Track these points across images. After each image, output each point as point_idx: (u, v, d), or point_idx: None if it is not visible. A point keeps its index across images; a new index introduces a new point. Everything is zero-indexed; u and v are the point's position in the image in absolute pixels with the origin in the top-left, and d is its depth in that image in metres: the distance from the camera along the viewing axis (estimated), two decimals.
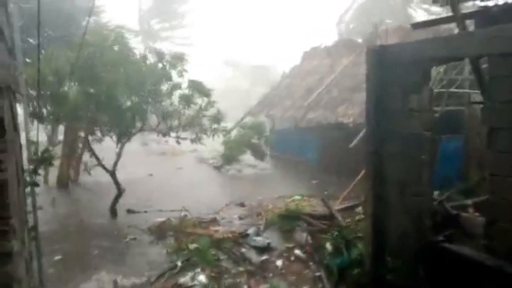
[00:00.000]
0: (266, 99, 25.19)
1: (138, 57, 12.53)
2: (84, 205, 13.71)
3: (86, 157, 15.37)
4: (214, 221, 10.98)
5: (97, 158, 12.69)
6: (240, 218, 11.27)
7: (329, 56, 22.23)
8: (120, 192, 12.69)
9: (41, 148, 7.25)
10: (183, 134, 13.22)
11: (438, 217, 6.97)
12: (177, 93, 12.72)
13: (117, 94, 11.41)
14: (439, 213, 7.42)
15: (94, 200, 14.14)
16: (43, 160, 6.99)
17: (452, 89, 11.11)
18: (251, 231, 9.64)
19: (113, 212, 12.47)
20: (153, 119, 13.28)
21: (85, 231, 10.92)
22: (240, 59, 48.58)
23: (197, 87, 12.62)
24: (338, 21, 36.02)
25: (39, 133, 9.15)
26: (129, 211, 12.29)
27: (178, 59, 12.53)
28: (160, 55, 12.47)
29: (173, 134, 12.98)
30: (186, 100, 12.50)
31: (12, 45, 4.18)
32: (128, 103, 12.09)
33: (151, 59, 12.70)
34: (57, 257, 8.78)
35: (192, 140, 13.13)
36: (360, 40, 19.61)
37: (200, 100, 12.89)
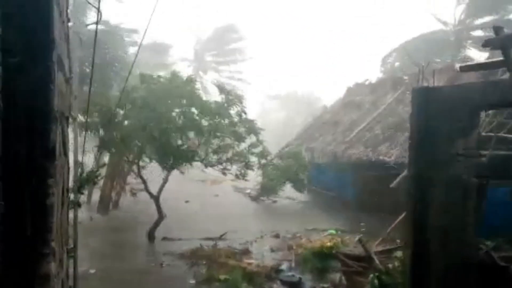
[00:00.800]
0: (306, 132, 25.19)
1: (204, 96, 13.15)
2: (123, 227, 14.06)
3: (130, 179, 15.90)
4: (247, 252, 10.90)
5: (145, 183, 13.10)
6: (272, 251, 11.12)
7: (372, 93, 22.10)
8: (161, 217, 12.93)
9: (86, 169, 7.59)
10: (229, 166, 13.50)
11: (484, 269, 6.54)
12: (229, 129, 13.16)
13: (170, 131, 12.03)
14: (485, 264, 6.97)
15: (133, 224, 14.48)
16: (88, 180, 7.28)
17: (502, 134, 10.62)
18: (284, 266, 9.48)
19: (151, 237, 12.69)
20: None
21: (122, 253, 11.15)
22: (285, 92, 49.22)
23: (250, 126, 13.06)
24: (383, 58, 35.78)
25: (86, 154, 9.61)
26: (165, 238, 12.44)
27: (238, 98, 13.04)
28: (224, 92, 13.02)
29: (220, 166, 13.29)
30: (238, 138, 12.91)
31: (70, 74, 4.46)
32: (180, 141, 12.63)
33: (215, 95, 13.33)
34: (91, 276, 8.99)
35: (237, 176, 13.39)
36: (405, 78, 19.36)
37: (249, 137, 13.30)
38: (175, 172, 13.48)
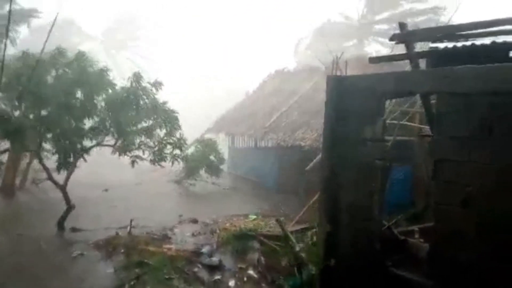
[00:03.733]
0: (227, 117, 25.37)
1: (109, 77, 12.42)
2: (28, 217, 13.00)
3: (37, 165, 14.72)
4: (166, 238, 10.79)
5: (48, 171, 12.19)
6: (193, 235, 11.16)
7: (291, 80, 22.84)
8: (69, 207, 12.19)
9: None
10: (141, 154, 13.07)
11: (386, 242, 7.26)
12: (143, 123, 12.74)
13: (67, 118, 11.36)
14: (387, 237, 7.73)
15: (39, 213, 13.43)
16: None
17: (404, 122, 11.74)
18: (205, 249, 9.57)
19: (61, 227, 11.94)
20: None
21: (27, 244, 10.32)
22: (205, 75, 48.82)
23: (166, 117, 12.67)
24: (295, 47, 37.63)
25: None
26: (74, 229, 11.73)
27: (155, 85, 12.53)
28: (137, 78, 12.38)
29: (129, 154, 12.74)
30: (148, 133, 12.54)
31: None
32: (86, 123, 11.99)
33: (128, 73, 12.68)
34: None
35: (152, 162, 13.02)
36: (321, 66, 20.33)
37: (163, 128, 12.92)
38: (98, 157, 12.84)
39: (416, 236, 8.47)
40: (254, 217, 12.73)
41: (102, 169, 19.24)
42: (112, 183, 18.20)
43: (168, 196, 17.40)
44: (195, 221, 12.58)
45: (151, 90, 12.53)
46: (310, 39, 36.58)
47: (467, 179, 5.20)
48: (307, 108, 18.62)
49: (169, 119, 12.74)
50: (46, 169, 12.14)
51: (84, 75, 11.76)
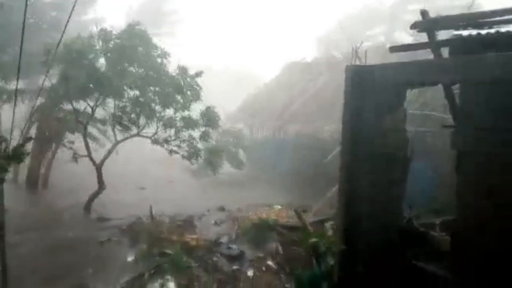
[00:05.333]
0: (245, 107, 25.37)
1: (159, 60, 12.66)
2: (56, 205, 13.37)
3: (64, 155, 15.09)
4: (190, 227, 10.93)
5: (88, 148, 12.63)
6: (216, 224, 11.27)
7: (309, 71, 22.60)
8: (101, 187, 12.59)
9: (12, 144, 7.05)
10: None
11: (406, 234, 7.17)
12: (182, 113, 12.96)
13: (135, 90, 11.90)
14: (407, 230, 7.63)
15: (66, 199, 13.77)
16: (14, 157, 6.78)
17: (426, 112, 11.48)
18: (224, 239, 9.65)
19: (88, 209, 12.41)
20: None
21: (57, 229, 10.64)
22: (224, 64, 48.79)
23: (209, 115, 12.90)
24: (319, 37, 36.90)
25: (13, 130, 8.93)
26: (101, 219, 11.96)
27: (197, 75, 12.72)
28: (183, 70, 12.62)
29: (167, 146, 13.03)
30: (189, 124, 12.74)
31: None
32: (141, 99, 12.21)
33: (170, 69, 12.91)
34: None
35: (185, 157, 13.30)
36: (339, 56, 20.01)
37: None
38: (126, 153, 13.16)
39: (437, 229, 8.36)
40: (279, 207, 12.66)
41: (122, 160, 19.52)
42: (137, 173, 18.56)
43: (193, 185, 17.64)
44: (221, 209, 12.80)
45: (195, 83, 12.78)
46: (333, 28, 35.82)
47: (490, 171, 5.07)
48: (326, 98, 18.42)
49: (212, 120, 13.03)
50: (87, 145, 12.62)
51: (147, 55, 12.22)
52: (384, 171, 6.19)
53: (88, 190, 12.62)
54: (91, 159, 12.59)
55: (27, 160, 13.93)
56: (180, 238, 9.75)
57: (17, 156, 6.80)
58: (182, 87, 12.42)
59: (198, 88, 12.74)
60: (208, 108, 12.97)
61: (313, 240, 8.73)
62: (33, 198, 14.17)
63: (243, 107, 25.62)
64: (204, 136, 13.22)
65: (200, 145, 13.45)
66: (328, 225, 10.00)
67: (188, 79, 12.59)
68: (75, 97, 12.28)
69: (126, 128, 12.66)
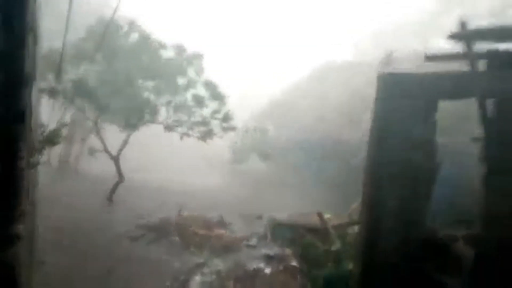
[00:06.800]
0: (272, 107, 25.43)
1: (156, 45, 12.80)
2: (84, 192, 13.81)
3: (90, 142, 15.61)
4: (221, 224, 11.11)
5: (104, 143, 12.98)
6: (248, 225, 11.45)
7: (343, 74, 22.42)
8: (121, 179, 12.96)
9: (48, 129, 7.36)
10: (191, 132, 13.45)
11: (429, 245, 7.09)
12: (191, 91, 13.03)
13: (133, 80, 11.82)
14: (430, 241, 7.54)
15: (93, 188, 14.21)
16: (49, 141, 7.09)
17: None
18: (253, 241, 9.88)
19: (110, 198, 12.77)
20: (161, 114, 13.54)
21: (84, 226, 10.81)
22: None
23: (212, 90, 12.91)
24: (355, 42, 36.23)
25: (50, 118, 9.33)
26: (138, 215, 12.11)
27: (196, 57, 12.84)
28: (179, 49, 12.74)
29: (180, 130, 13.19)
30: (198, 101, 12.80)
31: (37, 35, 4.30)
32: (145, 93, 12.45)
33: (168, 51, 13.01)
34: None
35: (199, 138, 13.35)
36: (374, 62, 19.75)
37: (212, 103, 13.18)
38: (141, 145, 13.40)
39: (460, 242, 8.20)
40: (329, 215, 12.52)
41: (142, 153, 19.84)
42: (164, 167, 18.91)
43: (228, 183, 17.78)
44: (259, 217, 12.41)
45: (196, 62, 12.87)
46: (370, 35, 35.11)
47: None
48: (357, 104, 18.25)
49: (217, 96, 13.05)
50: (102, 140, 12.93)
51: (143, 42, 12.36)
52: (410, 182, 6.14)
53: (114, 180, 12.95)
54: (108, 153, 12.92)
55: (59, 147, 14.54)
56: (208, 232, 9.97)
57: (52, 139, 7.13)
58: (183, 69, 12.43)
59: (199, 62, 12.73)
60: (209, 82, 12.86)
61: (334, 243, 8.79)
62: (61, 181, 14.65)
63: (270, 107, 25.67)
64: (214, 114, 13.10)
65: (214, 123, 13.35)
66: (351, 229, 9.99)
67: (185, 57, 12.59)
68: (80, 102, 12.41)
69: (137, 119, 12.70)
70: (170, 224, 10.71)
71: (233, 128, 14.08)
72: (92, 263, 7.75)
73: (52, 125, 8.40)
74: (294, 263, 8.57)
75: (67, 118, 17.26)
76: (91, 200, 12.53)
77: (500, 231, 5.23)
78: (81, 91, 11.62)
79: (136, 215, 11.76)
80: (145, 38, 12.57)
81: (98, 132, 13.23)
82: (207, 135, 13.25)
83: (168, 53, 12.93)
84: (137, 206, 12.55)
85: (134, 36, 12.60)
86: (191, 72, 12.91)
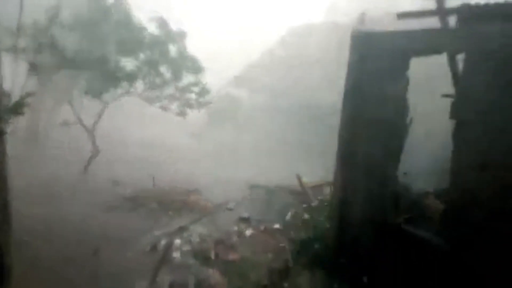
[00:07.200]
0: (247, 73, 25.19)
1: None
2: (54, 163, 13.44)
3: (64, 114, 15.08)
4: (196, 192, 11.17)
5: (77, 114, 12.62)
6: (226, 191, 11.56)
7: (315, 35, 22.26)
8: (96, 151, 12.72)
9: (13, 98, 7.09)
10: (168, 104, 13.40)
11: (401, 201, 7.35)
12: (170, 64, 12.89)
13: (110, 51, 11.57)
14: (402, 197, 7.82)
15: (65, 159, 13.84)
16: (13, 109, 6.88)
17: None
18: (231, 205, 9.99)
19: (86, 170, 12.52)
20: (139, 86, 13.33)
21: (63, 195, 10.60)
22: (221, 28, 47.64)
23: (188, 63, 12.81)
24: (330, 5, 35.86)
25: (14, 85, 8.96)
26: (115, 182, 11.98)
27: (179, 34, 12.64)
28: (162, 24, 12.48)
29: (158, 103, 13.16)
30: (175, 73, 12.68)
31: None
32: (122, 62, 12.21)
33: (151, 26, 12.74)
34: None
35: (178, 114, 13.38)
36: (347, 22, 19.63)
37: (189, 75, 13.13)
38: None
39: (431, 197, 8.56)
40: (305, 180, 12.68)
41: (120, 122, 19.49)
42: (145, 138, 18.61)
43: (196, 152, 17.74)
44: (233, 181, 12.71)
45: (177, 37, 12.72)
46: None
47: (486, 142, 5.16)
48: (330, 65, 18.27)
49: (194, 68, 12.99)
50: (75, 112, 12.59)
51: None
52: (383, 138, 6.27)
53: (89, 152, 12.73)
54: (82, 124, 12.65)
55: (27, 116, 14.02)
56: (185, 198, 10.03)
57: (17, 109, 6.89)
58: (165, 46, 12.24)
59: (181, 40, 12.60)
60: (181, 53, 12.81)
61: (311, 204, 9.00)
62: (30, 151, 14.18)
63: (245, 72, 25.41)
64: (191, 86, 13.14)
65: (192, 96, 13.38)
66: (328, 188, 10.25)
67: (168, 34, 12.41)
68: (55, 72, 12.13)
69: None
70: (147, 193, 10.69)
71: (209, 103, 14.16)
72: (69, 235, 7.66)
73: (17, 92, 8.09)
74: (277, 225, 8.76)
75: (32, 84, 16.56)
76: (64, 171, 12.24)
77: (467, 184, 5.43)
78: (48, 46, 11.29)
79: (112, 186, 11.66)
80: (127, 14, 12.30)
81: (70, 103, 12.86)
82: (184, 110, 13.31)
83: (150, 28, 12.70)
84: (114, 177, 12.37)
85: (119, 9, 12.25)
86: (172, 49, 12.74)
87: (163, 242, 7.43)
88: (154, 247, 7.27)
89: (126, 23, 12.17)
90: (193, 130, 20.63)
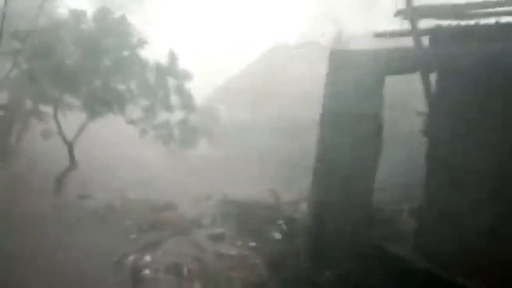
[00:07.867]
0: (227, 88, 25.24)
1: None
2: (25, 179, 12.92)
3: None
4: (169, 207, 10.90)
5: (59, 126, 12.22)
6: (197, 206, 11.34)
7: (293, 54, 22.62)
8: (73, 165, 12.31)
9: None
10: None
11: (375, 218, 7.39)
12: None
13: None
14: (376, 215, 7.86)
15: (37, 173, 13.32)
16: None
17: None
18: (205, 221, 9.83)
19: (59, 185, 12.06)
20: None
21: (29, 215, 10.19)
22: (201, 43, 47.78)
23: (187, 101, 12.75)
24: (307, 23, 36.62)
25: None
26: (82, 197, 11.59)
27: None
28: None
29: (141, 125, 12.84)
30: (168, 108, 12.62)
31: None
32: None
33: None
34: None
35: (158, 138, 13.23)
36: (324, 41, 20.07)
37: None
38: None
39: (404, 214, 8.63)
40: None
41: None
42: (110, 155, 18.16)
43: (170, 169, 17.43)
44: (208, 198, 12.36)
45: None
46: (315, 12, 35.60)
47: (458, 160, 5.25)
48: (306, 82, 18.50)
49: (189, 106, 13.00)
50: (58, 124, 12.18)
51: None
52: (358, 156, 6.32)
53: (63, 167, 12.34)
54: (63, 137, 12.26)
55: None
56: (157, 216, 9.79)
57: None
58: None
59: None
60: (180, 86, 12.75)
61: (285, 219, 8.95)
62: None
63: (224, 88, 25.45)
64: (182, 124, 13.08)
65: (177, 130, 13.27)
66: (302, 205, 10.18)
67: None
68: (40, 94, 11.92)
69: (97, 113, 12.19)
70: (116, 207, 10.41)
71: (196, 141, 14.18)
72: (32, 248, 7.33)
73: None
74: (251, 242, 8.63)
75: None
76: (35, 185, 11.80)
77: (440, 202, 5.50)
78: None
79: (81, 199, 11.35)
80: (126, 35, 12.12)
81: (55, 116, 12.43)
82: (168, 140, 13.16)
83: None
84: (84, 190, 12.00)
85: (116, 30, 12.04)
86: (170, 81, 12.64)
87: (131, 258, 7.20)
88: (122, 264, 7.02)
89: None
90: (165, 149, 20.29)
